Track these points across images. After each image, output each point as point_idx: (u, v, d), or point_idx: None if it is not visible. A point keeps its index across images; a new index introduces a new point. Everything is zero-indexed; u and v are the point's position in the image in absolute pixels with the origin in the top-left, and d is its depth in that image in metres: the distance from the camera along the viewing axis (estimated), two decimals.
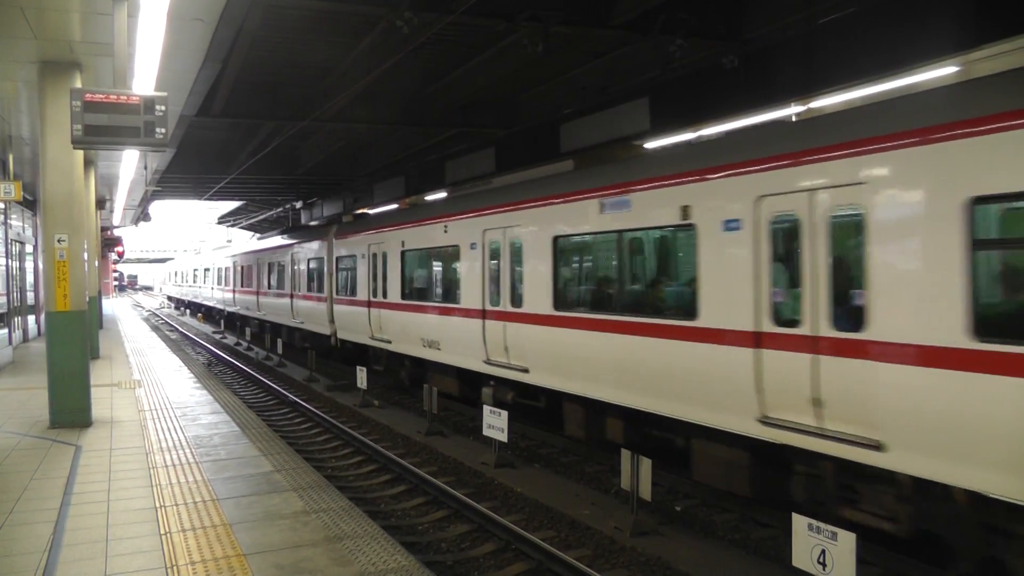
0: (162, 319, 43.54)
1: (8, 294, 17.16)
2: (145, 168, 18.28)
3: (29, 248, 20.64)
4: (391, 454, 10.73)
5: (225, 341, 29.76)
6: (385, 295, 15.37)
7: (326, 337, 19.30)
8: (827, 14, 9.73)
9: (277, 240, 25.39)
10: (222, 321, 36.69)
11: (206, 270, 39.59)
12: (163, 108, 7.09)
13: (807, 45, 10.26)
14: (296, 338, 22.55)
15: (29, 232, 20.64)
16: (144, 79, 9.14)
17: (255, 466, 7.57)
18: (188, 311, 50.46)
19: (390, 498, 9.40)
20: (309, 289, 20.58)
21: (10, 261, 17.34)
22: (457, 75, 14.11)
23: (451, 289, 12.84)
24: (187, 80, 9.95)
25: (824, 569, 5.35)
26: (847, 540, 5.25)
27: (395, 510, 8.93)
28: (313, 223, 26.24)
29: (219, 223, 46.26)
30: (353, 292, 17.18)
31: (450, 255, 12.91)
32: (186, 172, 21.78)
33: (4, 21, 7.74)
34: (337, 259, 18.40)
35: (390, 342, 15.12)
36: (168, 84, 9.57)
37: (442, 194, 16.10)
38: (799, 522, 5.59)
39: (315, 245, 20.16)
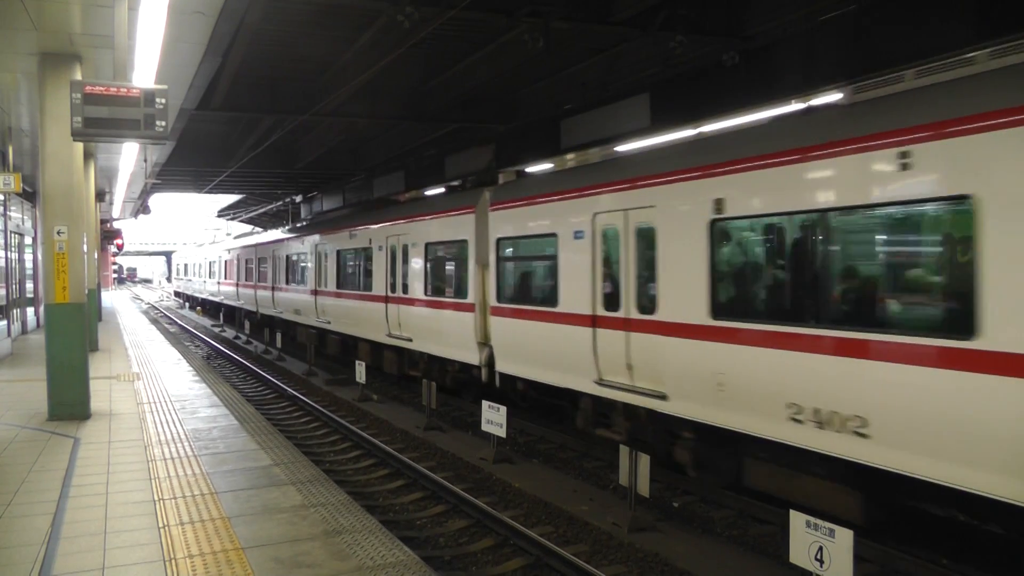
0: (161, 312, 43.53)
1: (7, 286, 17.16)
2: (145, 161, 18.26)
3: (28, 240, 20.63)
4: (390, 449, 10.75)
5: (224, 334, 29.75)
6: (648, 307, 8.57)
7: (469, 367, 12.67)
8: (828, 11, 9.71)
9: (352, 218, 18.67)
10: (221, 315, 36.12)
11: (228, 263, 32.01)
12: (163, 101, 7.10)
13: (808, 42, 10.25)
14: (391, 362, 15.67)
15: (28, 224, 20.63)
16: (144, 72, 9.12)
17: (254, 460, 7.58)
18: (195, 307, 45.74)
19: (388, 493, 9.41)
20: (430, 291, 13.76)
21: (9, 253, 17.34)
22: (457, 70, 14.09)
23: (953, 304, 5.83)
24: (187, 73, 9.93)
25: (821, 566, 5.37)
26: (844, 537, 5.26)
27: (393, 505, 8.95)
28: (430, 190, 17.28)
29: (218, 216, 46.06)
30: (544, 299, 10.50)
31: (938, 223, 6.07)
32: (186, 165, 21.73)
33: (4, 12, 7.72)
34: (499, 243, 11.59)
35: (664, 397, 8.24)
36: (168, 77, 9.55)
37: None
38: (796, 519, 5.60)
39: (445, 223, 13.38)
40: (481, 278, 12.17)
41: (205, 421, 9.41)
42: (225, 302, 33.38)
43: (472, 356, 12.33)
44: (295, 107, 15.08)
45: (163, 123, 7.08)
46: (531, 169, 14.12)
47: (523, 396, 11.86)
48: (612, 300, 9.20)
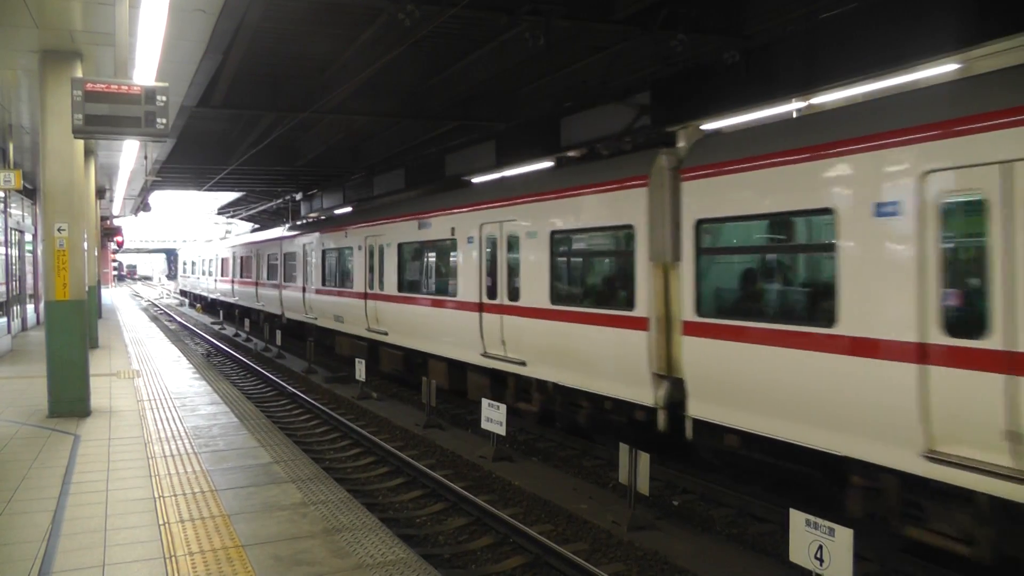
0: (161, 309, 43.49)
1: (7, 283, 17.16)
2: (145, 158, 18.26)
3: (28, 237, 20.63)
4: (389, 446, 10.75)
5: (224, 332, 29.75)
6: None
7: (628, 407, 8.95)
8: (828, 9, 9.71)
9: (421, 203, 14.46)
10: (219, 312, 35.81)
11: (244, 260, 27.89)
12: (164, 98, 7.09)
13: (808, 40, 10.25)
14: (481, 388, 12.04)
15: (29, 221, 20.63)
16: (145, 69, 9.13)
17: (254, 457, 7.58)
18: (194, 304, 42.07)
19: (388, 490, 9.42)
20: (562, 298, 9.96)
21: (10, 250, 17.34)
22: (458, 68, 14.08)
23: None
24: (188, 71, 9.93)
25: (821, 564, 5.37)
26: (844, 536, 5.27)
27: (393, 503, 8.96)
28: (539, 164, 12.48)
29: (219, 214, 46.07)
30: (805, 313, 7.06)
31: None
32: (186, 162, 21.75)
33: (5, 9, 7.72)
34: (701, 228, 7.87)
35: None
36: (169, 74, 9.56)
37: None
38: (796, 517, 5.60)
39: (591, 204, 9.47)
40: (661, 281, 8.43)
41: (205, 418, 9.42)
42: (240, 303, 29.40)
43: (640, 392, 8.59)
44: (295, 104, 15.08)
45: (164, 120, 7.08)
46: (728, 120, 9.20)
47: (729, 455, 8.05)
48: (969, 320, 5.57)
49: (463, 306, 12.15)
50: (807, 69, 10.15)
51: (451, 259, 12.82)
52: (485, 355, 11.58)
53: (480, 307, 11.69)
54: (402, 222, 14.69)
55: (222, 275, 32.75)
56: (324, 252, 19.14)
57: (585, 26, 10.89)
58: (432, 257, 13.85)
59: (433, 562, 6.77)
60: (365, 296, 16.22)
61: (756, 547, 7.39)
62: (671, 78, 12.43)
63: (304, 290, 20.63)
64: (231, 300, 30.94)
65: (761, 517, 7.99)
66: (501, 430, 9.90)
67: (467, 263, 12.14)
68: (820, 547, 5.39)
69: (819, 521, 5.44)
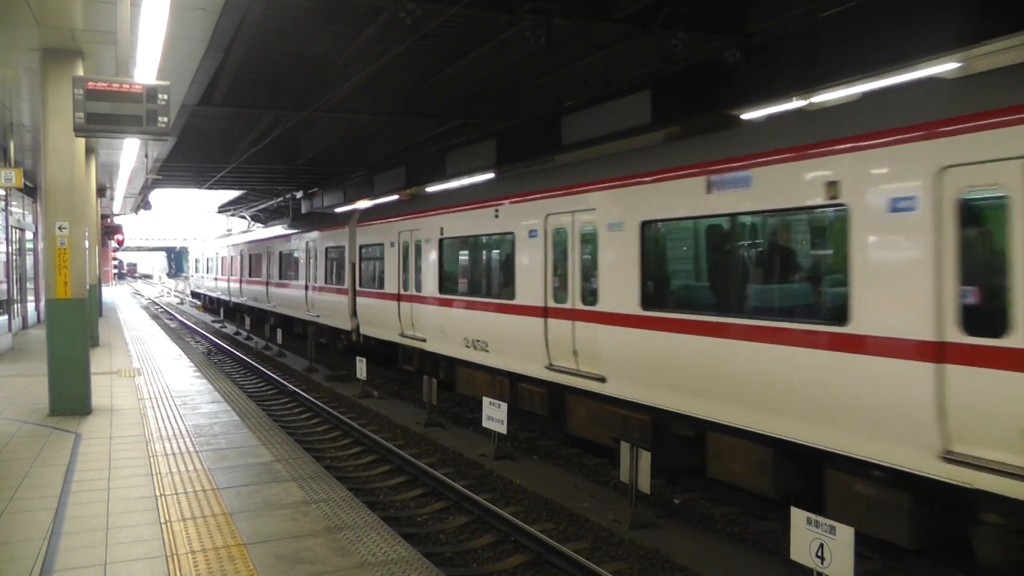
0: (161, 307, 43.48)
1: (8, 281, 17.17)
2: (146, 156, 18.27)
3: (29, 235, 20.64)
4: (390, 445, 10.76)
5: (225, 330, 29.75)
6: None
7: None
8: (829, 7, 9.70)
9: (710, 147, 7.76)
10: (221, 310, 35.60)
11: (284, 257, 23.03)
12: (165, 97, 7.09)
13: (809, 39, 10.24)
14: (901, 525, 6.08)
15: (29, 219, 20.63)
16: (146, 67, 9.13)
17: (255, 456, 7.59)
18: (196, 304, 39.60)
19: (389, 489, 9.43)
20: None
21: (11, 248, 17.35)
22: (459, 67, 14.09)
23: None
24: (189, 69, 9.93)
25: (822, 563, 5.37)
26: (845, 534, 5.26)
27: (394, 501, 8.96)
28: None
29: (219, 212, 46.12)
30: None
31: None
32: (187, 161, 21.78)
33: (6, 7, 7.72)
34: None
35: None
36: (170, 73, 9.56)
37: None
38: (797, 516, 5.60)
39: None
40: None
41: (206, 417, 9.42)
42: (278, 311, 24.12)
43: None
44: (296, 103, 15.09)
45: (165, 119, 7.08)
46: None
47: None
48: None
49: (887, 349, 5.90)
50: (808, 67, 10.13)
51: (822, 246, 6.99)
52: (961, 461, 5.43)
53: (941, 351, 5.54)
54: (653, 184, 8.38)
55: (250, 275, 27.44)
56: (443, 243, 13.28)
57: (586, 25, 10.89)
58: (742, 244, 7.62)
59: (434, 560, 6.78)
60: (545, 313, 10.24)
61: (757, 545, 7.39)
62: (672, 76, 12.40)
63: (399, 298, 14.91)
64: (265, 307, 25.67)
65: (762, 515, 8.00)
66: (502, 428, 9.90)
67: (891, 253, 5.94)
68: (821, 545, 5.39)
69: (820, 519, 5.44)
